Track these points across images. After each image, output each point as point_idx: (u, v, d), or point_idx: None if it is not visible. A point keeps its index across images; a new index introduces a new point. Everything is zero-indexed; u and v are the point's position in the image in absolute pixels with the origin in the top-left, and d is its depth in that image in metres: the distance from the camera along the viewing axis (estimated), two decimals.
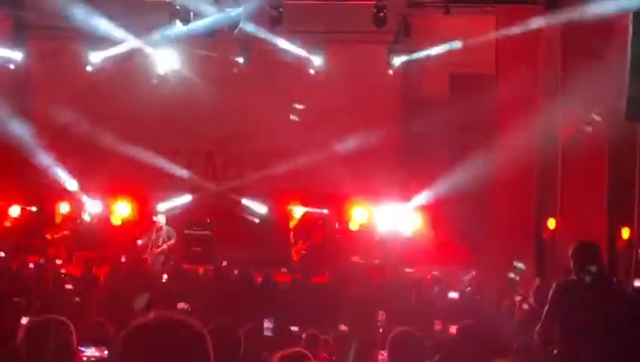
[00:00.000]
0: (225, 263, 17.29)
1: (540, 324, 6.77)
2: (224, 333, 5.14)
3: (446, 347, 7.05)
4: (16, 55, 21.44)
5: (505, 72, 19.37)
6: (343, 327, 8.95)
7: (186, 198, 21.70)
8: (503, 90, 19.42)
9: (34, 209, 20.95)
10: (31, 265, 16.29)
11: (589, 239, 15.28)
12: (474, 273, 15.94)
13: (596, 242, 7.85)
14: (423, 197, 20.16)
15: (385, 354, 5.39)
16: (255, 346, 7.23)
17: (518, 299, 12.19)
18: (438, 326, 8.56)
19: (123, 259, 19.29)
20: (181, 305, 10.23)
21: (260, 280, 15.34)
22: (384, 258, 19.18)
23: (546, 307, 6.83)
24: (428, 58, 20.77)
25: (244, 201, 21.66)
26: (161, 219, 19.57)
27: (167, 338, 2.47)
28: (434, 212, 20.33)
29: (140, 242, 19.34)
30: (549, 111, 18.42)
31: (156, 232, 19.43)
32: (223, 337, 5.00)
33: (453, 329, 8.55)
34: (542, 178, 19.02)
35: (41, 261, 16.86)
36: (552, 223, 18.60)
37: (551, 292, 6.97)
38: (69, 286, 13.32)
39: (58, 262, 18.62)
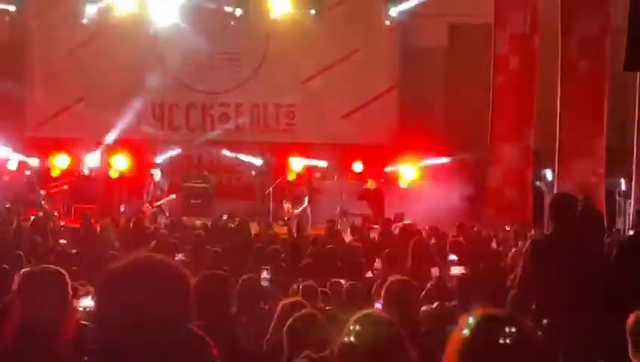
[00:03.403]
0: (225, 216, 17.31)
1: (517, 279, 6.73)
2: (215, 281, 5.16)
3: (445, 294, 7.08)
4: (11, 7, 21.27)
5: (503, 18, 19.26)
6: (339, 278, 8.96)
7: (182, 151, 21.69)
8: (500, 36, 19.33)
9: (34, 162, 20.92)
10: (32, 218, 16.33)
11: (587, 190, 15.57)
12: (476, 228, 15.92)
13: (575, 194, 7.73)
14: (420, 148, 20.10)
15: (380, 303, 5.41)
16: (252, 296, 7.26)
17: (514, 250, 12.21)
18: (435, 273, 8.58)
19: (122, 209, 19.33)
20: (179, 257, 10.26)
21: (258, 231, 15.41)
22: (380, 208, 19.16)
23: (522, 261, 6.77)
24: (425, 8, 20.63)
25: (241, 154, 21.65)
26: (155, 173, 19.54)
27: (144, 276, 2.46)
28: (432, 162, 20.34)
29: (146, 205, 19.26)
30: (549, 55, 18.34)
31: (153, 187, 19.43)
32: (214, 285, 5.02)
33: (453, 271, 8.58)
34: (540, 128, 18.99)
35: (40, 214, 16.88)
36: (549, 175, 18.60)
37: (527, 247, 6.91)
38: (62, 241, 13.35)
39: (56, 214, 18.69)
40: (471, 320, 2.31)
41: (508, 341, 2.25)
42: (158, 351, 2.40)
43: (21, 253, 10.37)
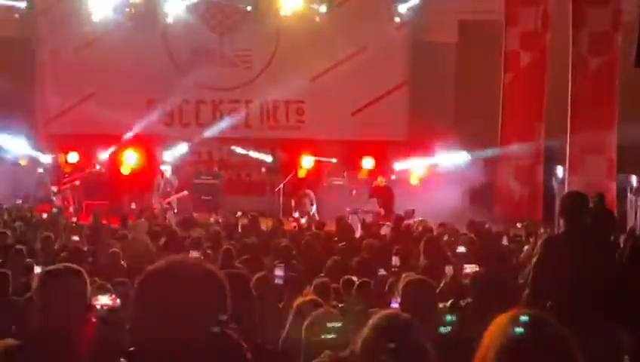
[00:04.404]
0: (240, 213, 17.35)
1: (529, 277, 6.68)
2: (234, 280, 5.16)
3: (459, 292, 7.07)
4: (21, 3, 21.32)
5: (514, 14, 19.24)
6: (352, 276, 8.95)
7: (192, 147, 21.72)
8: (511, 32, 19.31)
9: (45, 158, 20.98)
10: (44, 215, 16.39)
11: (599, 188, 15.54)
12: (487, 225, 15.88)
13: (586, 191, 7.73)
14: (431, 145, 20.08)
15: (397, 302, 5.40)
16: (266, 294, 7.27)
17: (526, 248, 12.21)
18: (449, 271, 8.56)
19: (133, 206, 19.38)
20: (193, 254, 10.27)
21: (269, 228, 15.41)
22: (390, 205, 19.12)
23: (534, 260, 6.71)
24: (436, 5, 20.63)
25: (251, 151, 21.67)
26: (166, 170, 19.62)
27: (182, 279, 2.48)
28: (443, 159, 20.31)
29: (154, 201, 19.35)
30: (560, 51, 18.30)
31: (163, 183, 19.51)
32: (232, 284, 5.02)
33: (467, 269, 8.56)
34: (551, 125, 18.97)
35: (54, 210, 16.96)
36: (560, 172, 18.56)
37: (539, 246, 6.87)
38: (75, 238, 13.36)
39: (71, 210, 18.80)
40: (519, 319, 2.30)
41: (557, 341, 2.26)
42: (195, 353, 2.42)
43: (23, 248, 10.42)
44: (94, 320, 4.27)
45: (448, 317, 4.94)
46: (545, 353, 2.25)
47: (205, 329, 2.43)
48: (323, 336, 4.38)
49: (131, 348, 2.49)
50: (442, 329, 4.93)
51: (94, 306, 5.26)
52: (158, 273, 2.50)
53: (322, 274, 8.97)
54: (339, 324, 4.51)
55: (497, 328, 2.32)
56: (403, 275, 6.82)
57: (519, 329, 2.26)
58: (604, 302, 6.28)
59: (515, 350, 2.26)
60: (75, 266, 4.28)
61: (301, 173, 20.81)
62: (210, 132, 22.09)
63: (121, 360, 2.50)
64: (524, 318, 2.29)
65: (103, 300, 5.60)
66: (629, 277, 6.73)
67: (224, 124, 22.31)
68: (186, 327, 2.41)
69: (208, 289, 2.48)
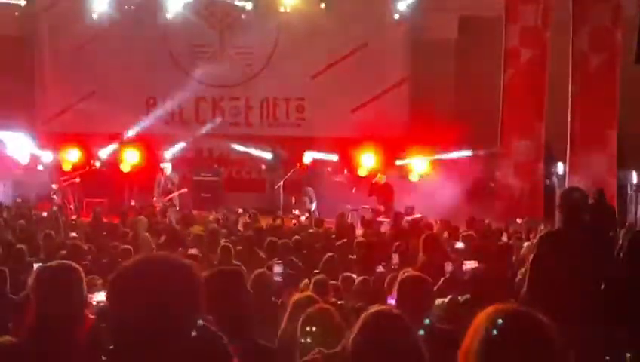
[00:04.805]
0: (241, 210, 17.35)
1: (527, 275, 6.64)
2: (231, 277, 5.15)
3: (459, 288, 7.06)
4: (21, 1, 21.32)
5: (514, 10, 19.20)
6: (350, 273, 8.95)
7: (192, 145, 21.71)
8: (511, 29, 19.28)
9: (46, 156, 20.97)
10: (44, 213, 16.39)
11: (599, 184, 15.51)
12: (487, 221, 15.87)
13: (586, 187, 7.69)
14: (431, 141, 20.04)
15: (393, 298, 5.39)
16: (265, 291, 7.26)
17: (525, 244, 12.18)
18: (448, 268, 8.55)
19: (133, 204, 19.40)
20: (192, 251, 10.27)
21: (269, 225, 15.39)
22: (390, 202, 19.11)
23: (532, 256, 6.65)
24: (436, 1, 20.63)
25: (251, 148, 21.66)
26: (166, 167, 19.63)
27: (153, 276, 2.46)
28: (443, 156, 20.29)
29: (155, 198, 19.37)
30: (560, 47, 18.25)
31: (163, 180, 19.51)
32: (229, 281, 5.01)
33: (466, 265, 8.56)
34: (551, 121, 18.94)
35: (54, 208, 16.96)
36: (560, 168, 18.54)
37: (537, 241, 6.83)
38: (73, 234, 13.34)
39: (72, 208, 18.79)
40: (495, 319, 2.29)
41: (535, 339, 2.25)
42: (173, 350, 2.41)
43: (23, 246, 10.42)
44: (91, 316, 4.26)
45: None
46: (526, 347, 2.24)
47: (180, 326, 2.41)
48: (317, 333, 4.37)
49: (111, 346, 2.48)
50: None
51: (90, 303, 5.26)
52: (130, 271, 2.49)
53: (317, 271, 8.96)
54: (333, 321, 4.51)
55: (481, 321, 2.31)
56: (401, 272, 6.81)
57: (499, 323, 2.25)
58: (602, 299, 6.25)
59: (495, 344, 2.25)
60: (71, 263, 4.28)
61: (301, 171, 20.79)
62: (209, 128, 22.07)
63: (103, 358, 2.49)
64: (503, 315, 2.28)
65: (100, 297, 5.61)
66: (628, 274, 6.69)
67: (224, 120, 22.31)
68: (159, 325, 2.39)
69: (180, 286, 2.46)
